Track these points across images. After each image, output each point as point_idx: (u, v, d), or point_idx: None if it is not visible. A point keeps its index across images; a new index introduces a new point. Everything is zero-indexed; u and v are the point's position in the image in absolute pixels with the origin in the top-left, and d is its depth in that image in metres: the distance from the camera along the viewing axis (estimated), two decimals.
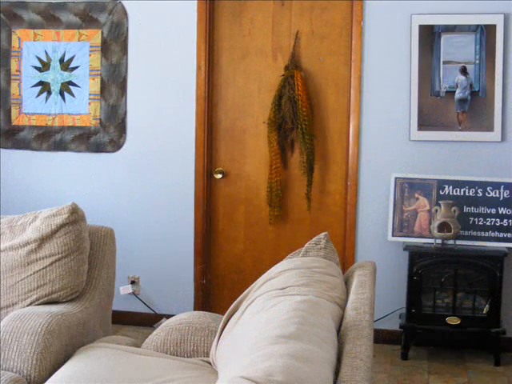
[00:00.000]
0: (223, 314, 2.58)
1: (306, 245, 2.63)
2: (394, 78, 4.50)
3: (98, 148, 4.88)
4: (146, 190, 4.87)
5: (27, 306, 3.00)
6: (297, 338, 1.77)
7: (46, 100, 4.92)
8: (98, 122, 4.85)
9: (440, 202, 4.31)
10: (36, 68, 4.92)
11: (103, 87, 4.83)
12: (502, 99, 4.38)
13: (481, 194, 4.40)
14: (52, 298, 3.03)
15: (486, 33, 4.36)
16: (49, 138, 4.94)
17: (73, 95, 4.88)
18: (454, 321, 4.25)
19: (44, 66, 4.91)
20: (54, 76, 4.90)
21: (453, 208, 4.29)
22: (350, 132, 4.58)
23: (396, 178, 4.46)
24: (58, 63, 4.88)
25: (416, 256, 4.28)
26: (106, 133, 4.85)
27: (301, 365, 1.61)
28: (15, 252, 3.07)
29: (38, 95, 4.93)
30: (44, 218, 3.09)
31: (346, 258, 4.62)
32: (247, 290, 2.52)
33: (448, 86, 4.43)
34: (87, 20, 4.81)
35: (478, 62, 4.39)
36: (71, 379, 2.41)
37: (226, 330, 2.44)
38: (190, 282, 4.87)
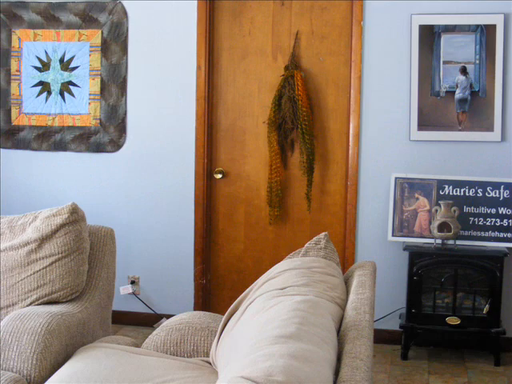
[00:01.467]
0: (223, 314, 2.58)
1: (306, 245, 2.63)
2: (394, 78, 4.50)
3: (98, 148, 4.88)
4: (146, 190, 4.87)
5: (27, 305, 3.00)
6: (297, 338, 1.77)
7: (46, 100, 4.92)
8: (98, 121, 4.86)
9: (440, 202, 4.31)
10: (36, 68, 4.92)
11: (103, 87, 4.83)
12: (502, 99, 4.38)
13: (481, 194, 4.40)
14: (52, 298, 3.03)
15: (485, 33, 4.36)
16: (49, 138, 4.94)
17: (73, 95, 4.88)
18: (453, 321, 4.25)
19: (44, 66, 4.91)
20: (54, 76, 4.90)
21: (453, 208, 4.29)
22: (350, 132, 4.58)
23: (396, 178, 4.46)
24: (58, 63, 4.88)
25: (416, 256, 4.28)
26: (106, 133, 4.85)
27: (301, 365, 1.61)
28: (15, 252, 3.07)
29: (38, 95, 4.93)
30: (44, 218, 3.09)
31: (345, 257, 4.62)
32: (247, 289, 2.52)
33: (448, 86, 4.43)
34: (87, 20, 4.81)
35: (478, 62, 4.39)
36: (71, 379, 2.41)
37: (226, 329, 2.44)
38: (190, 282, 4.87)
